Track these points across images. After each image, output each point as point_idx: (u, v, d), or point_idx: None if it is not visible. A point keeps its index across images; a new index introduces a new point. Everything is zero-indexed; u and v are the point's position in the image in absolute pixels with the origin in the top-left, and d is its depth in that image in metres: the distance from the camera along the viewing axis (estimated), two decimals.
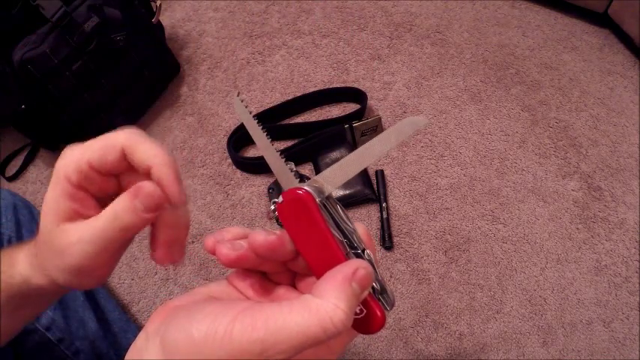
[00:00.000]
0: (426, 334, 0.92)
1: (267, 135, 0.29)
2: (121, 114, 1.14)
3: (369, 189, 1.04)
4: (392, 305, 0.27)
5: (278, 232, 0.26)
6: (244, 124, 0.30)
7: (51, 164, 1.17)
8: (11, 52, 0.95)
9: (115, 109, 1.12)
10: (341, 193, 1.03)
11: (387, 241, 1.00)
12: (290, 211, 0.26)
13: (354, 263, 0.24)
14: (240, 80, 1.26)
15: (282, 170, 0.29)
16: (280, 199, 0.26)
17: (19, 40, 0.96)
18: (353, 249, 0.26)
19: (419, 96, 1.21)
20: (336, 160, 1.07)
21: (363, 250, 0.27)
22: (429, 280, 0.97)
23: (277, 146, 1.22)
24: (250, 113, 0.30)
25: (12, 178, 1.15)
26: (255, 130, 0.29)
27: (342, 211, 0.27)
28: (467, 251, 1.00)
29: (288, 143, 1.14)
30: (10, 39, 0.96)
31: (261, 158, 1.26)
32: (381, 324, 0.25)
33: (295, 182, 0.28)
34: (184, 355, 0.22)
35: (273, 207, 0.27)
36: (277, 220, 0.28)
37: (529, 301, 0.94)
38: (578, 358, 0.89)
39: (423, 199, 1.06)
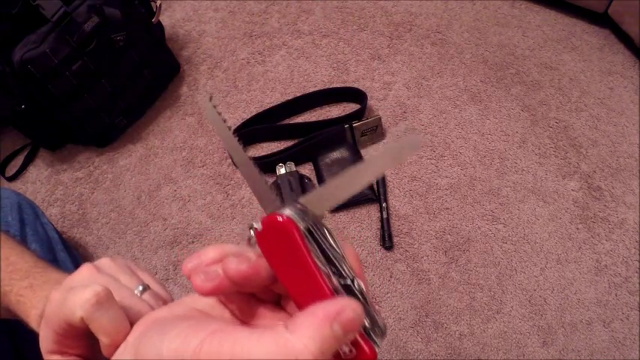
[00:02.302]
0: (426, 334, 0.92)
1: (243, 147, 0.27)
2: (121, 114, 1.14)
3: (369, 189, 1.04)
4: (383, 336, 0.24)
5: (253, 256, 0.25)
6: (225, 146, 0.28)
7: (51, 164, 1.17)
8: (11, 52, 0.95)
9: (115, 109, 1.12)
10: None
11: (387, 241, 1.00)
12: (270, 240, 0.24)
13: (341, 303, 0.22)
14: (240, 80, 1.26)
15: (262, 190, 0.26)
16: (259, 225, 0.24)
17: (19, 40, 0.96)
18: (342, 278, 0.24)
19: (419, 96, 1.21)
20: (336, 160, 1.07)
21: (353, 280, 0.24)
22: (429, 280, 0.97)
23: (277, 146, 1.21)
24: (227, 123, 0.28)
25: (12, 178, 1.15)
26: (234, 149, 0.28)
27: (330, 235, 0.25)
28: (467, 251, 1.00)
29: (288, 143, 1.14)
30: (10, 39, 0.96)
31: (262, 158, 1.25)
32: None
33: (277, 203, 0.25)
34: None
35: (251, 232, 0.24)
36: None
37: (529, 301, 0.94)
38: (578, 358, 0.89)
39: (423, 199, 1.06)
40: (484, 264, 0.98)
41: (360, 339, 0.23)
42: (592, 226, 1.01)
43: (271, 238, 0.24)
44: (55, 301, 0.30)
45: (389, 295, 0.96)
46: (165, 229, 1.06)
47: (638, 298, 0.94)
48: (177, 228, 1.06)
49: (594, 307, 0.93)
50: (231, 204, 1.08)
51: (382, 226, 1.02)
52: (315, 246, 0.24)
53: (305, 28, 1.35)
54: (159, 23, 1.22)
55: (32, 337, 0.33)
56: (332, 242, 0.25)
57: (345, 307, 0.21)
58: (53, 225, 0.84)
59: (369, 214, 1.05)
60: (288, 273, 0.24)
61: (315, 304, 0.22)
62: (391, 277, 0.98)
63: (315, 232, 0.24)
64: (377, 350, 0.23)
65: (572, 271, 0.97)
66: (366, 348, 0.23)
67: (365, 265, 0.99)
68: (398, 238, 1.01)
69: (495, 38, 1.30)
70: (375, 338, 0.24)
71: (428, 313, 0.94)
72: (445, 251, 1.00)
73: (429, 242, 1.01)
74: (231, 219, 1.06)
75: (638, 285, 0.95)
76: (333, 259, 0.24)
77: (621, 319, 0.92)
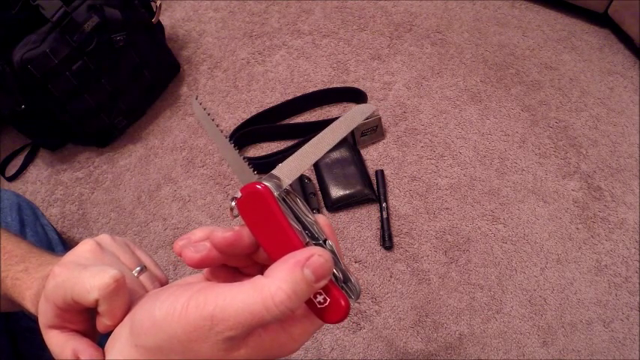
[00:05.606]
0: (426, 334, 0.92)
1: (226, 137, 0.30)
2: (120, 114, 1.14)
3: (369, 189, 1.04)
4: (357, 295, 0.27)
5: (237, 227, 0.27)
6: (202, 124, 0.31)
7: (51, 164, 1.17)
8: (11, 52, 0.95)
9: (115, 109, 1.12)
10: (341, 193, 1.03)
11: (387, 241, 0.99)
12: (249, 206, 0.26)
13: (310, 250, 0.24)
14: (240, 80, 1.26)
15: (240, 166, 0.30)
16: (239, 194, 0.27)
17: (19, 40, 0.96)
18: (314, 240, 0.27)
19: (419, 96, 1.21)
20: (336, 160, 1.07)
21: (325, 241, 0.27)
22: (429, 280, 0.97)
23: (277, 146, 1.21)
24: (209, 115, 0.31)
25: (12, 178, 1.15)
26: (213, 130, 0.30)
27: (302, 203, 0.28)
28: (467, 251, 1.00)
29: (289, 143, 1.14)
30: (10, 39, 0.96)
31: (262, 158, 1.25)
32: (345, 313, 0.25)
33: (254, 177, 0.29)
34: (147, 333, 0.25)
35: (233, 203, 0.27)
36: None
37: (529, 301, 0.94)
38: (578, 358, 0.89)
39: (423, 199, 1.06)
40: (484, 264, 0.98)
41: (333, 290, 0.25)
42: (592, 226, 1.01)
43: (250, 204, 0.26)
44: (59, 275, 0.30)
45: (389, 295, 0.96)
46: (165, 229, 1.06)
47: (638, 298, 0.94)
48: (177, 228, 1.06)
49: (594, 307, 0.93)
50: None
51: (382, 226, 1.02)
52: (289, 211, 0.27)
53: (305, 28, 1.35)
54: (159, 23, 1.22)
55: (32, 337, 0.33)
56: (304, 209, 0.27)
57: (314, 253, 0.24)
58: (53, 226, 0.84)
59: (369, 214, 1.05)
60: (266, 234, 0.26)
61: (288, 254, 0.25)
62: (391, 277, 0.98)
63: (288, 200, 0.27)
64: (351, 303, 0.26)
65: (572, 271, 0.97)
66: (339, 297, 0.25)
67: (365, 265, 0.99)
68: (398, 238, 1.01)
69: (495, 38, 1.30)
70: (348, 292, 0.26)
71: (428, 313, 0.94)
72: (445, 251, 1.00)
73: (429, 242, 1.01)
74: (231, 219, 1.06)
75: (638, 285, 0.95)
76: (306, 222, 0.27)
77: (621, 319, 0.92)
